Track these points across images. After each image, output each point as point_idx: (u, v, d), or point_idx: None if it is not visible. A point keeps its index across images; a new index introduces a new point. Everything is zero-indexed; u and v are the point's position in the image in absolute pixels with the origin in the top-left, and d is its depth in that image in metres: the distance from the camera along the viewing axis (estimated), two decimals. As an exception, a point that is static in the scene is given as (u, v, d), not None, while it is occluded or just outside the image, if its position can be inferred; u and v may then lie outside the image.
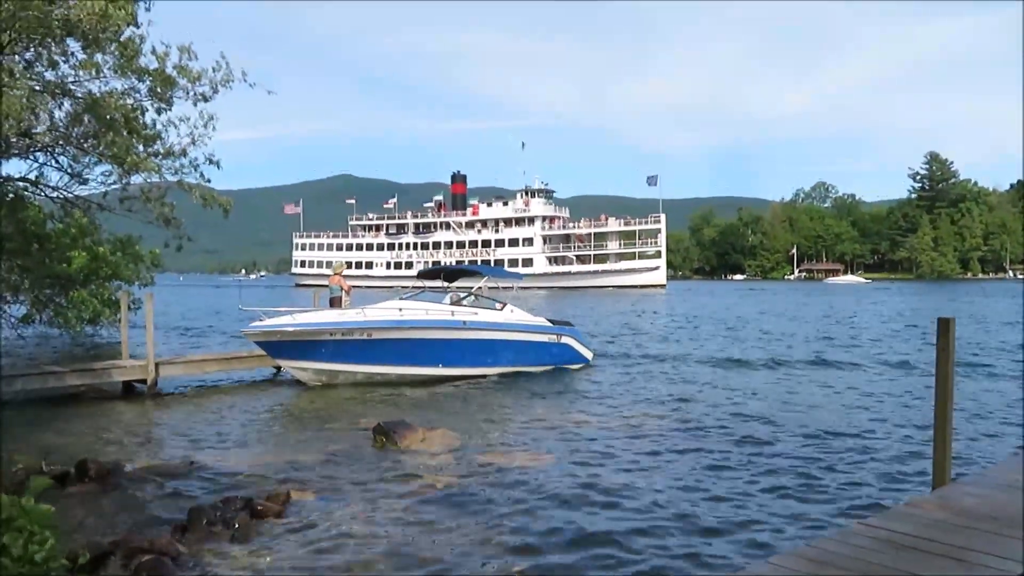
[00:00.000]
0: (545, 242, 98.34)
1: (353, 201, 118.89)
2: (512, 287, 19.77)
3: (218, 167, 16.39)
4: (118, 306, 17.50)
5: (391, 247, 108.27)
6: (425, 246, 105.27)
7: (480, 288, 19.04)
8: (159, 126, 15.62)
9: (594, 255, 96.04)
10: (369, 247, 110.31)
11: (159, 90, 14.68)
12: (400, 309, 16.33)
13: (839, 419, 12.26)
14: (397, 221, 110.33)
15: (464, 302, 17.54)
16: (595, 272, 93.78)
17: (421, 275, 20.51)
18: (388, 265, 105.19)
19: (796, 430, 11.41)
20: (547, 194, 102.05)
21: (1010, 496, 5.48)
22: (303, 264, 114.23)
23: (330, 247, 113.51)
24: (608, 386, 15.98)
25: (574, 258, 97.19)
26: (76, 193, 16.92)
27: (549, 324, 18.65)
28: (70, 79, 14.40)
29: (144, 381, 15.24)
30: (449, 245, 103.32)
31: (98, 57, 13.97)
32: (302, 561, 6.41)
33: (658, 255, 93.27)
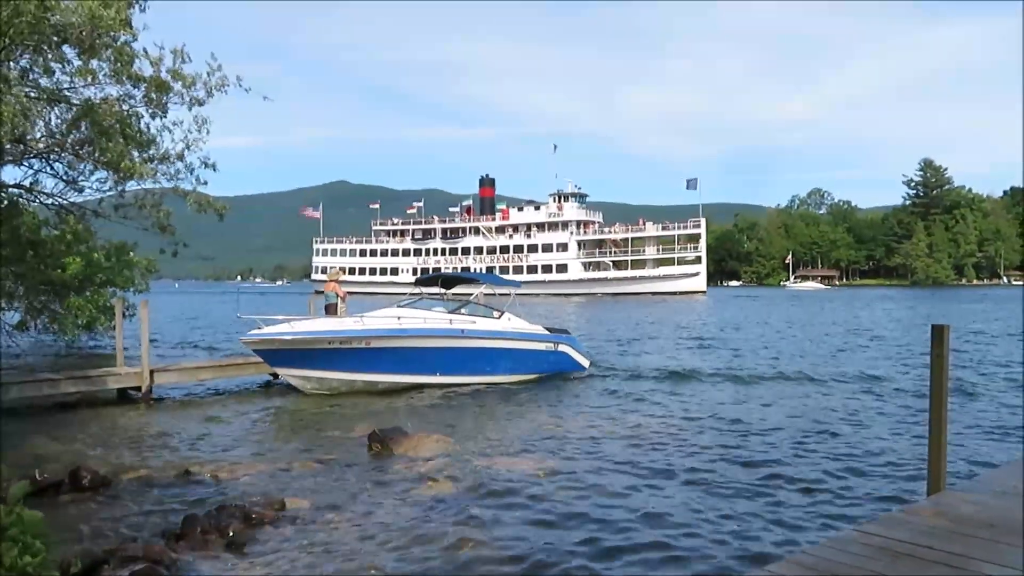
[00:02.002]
0: (580, 247, 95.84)
1: (377, 206, 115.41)
2: (510, 294, 19.75)
3: (214, 170, 16.39)
4: (113, 312, 17.44)
5: (417, 253, 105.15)
6: (454, 251, 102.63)
7: (478, 296, 19.02)
8: (153, 131, 15.59)
9: (631, 261, 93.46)
10: (394, 253, 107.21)
11: (154, 95, 14.69)
12: (399, 317, 16.30)
13: (833, 427, 12.25)
14: (423, 226, 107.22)
15: (462, 310, 17.52)
16: (632, 278, 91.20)
17: (419, 282, 20.48)
18: (415, 271, 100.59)
19: (792, 439, 11.40)
20: (580, 198, 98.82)
21: (1007, 503, 5.48)
22: (322, 270, 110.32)
23: (352, 253, 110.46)
24: (605, 394, 15.94)
25: (610, 264, 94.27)
26: (71, 200, 16.92)
27: (546, 332, 18.62)
28: (65, 86, 14.40)
29: (139, 388, 15.18)
30: (479, 251, 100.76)
31: (93, 63, 13.97)
32: (297, 569, 6.38)
33: (698, 260, 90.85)
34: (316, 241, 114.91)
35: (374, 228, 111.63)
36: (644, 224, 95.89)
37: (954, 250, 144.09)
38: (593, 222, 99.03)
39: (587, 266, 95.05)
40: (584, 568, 6.43)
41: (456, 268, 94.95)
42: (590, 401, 15.04)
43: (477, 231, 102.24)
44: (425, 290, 19.70)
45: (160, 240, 17.36)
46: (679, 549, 6.80)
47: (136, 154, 15.16)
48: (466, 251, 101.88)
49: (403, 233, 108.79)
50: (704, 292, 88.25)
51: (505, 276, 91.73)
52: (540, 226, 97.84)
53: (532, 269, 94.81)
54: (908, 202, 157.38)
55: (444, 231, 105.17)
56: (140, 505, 8.16)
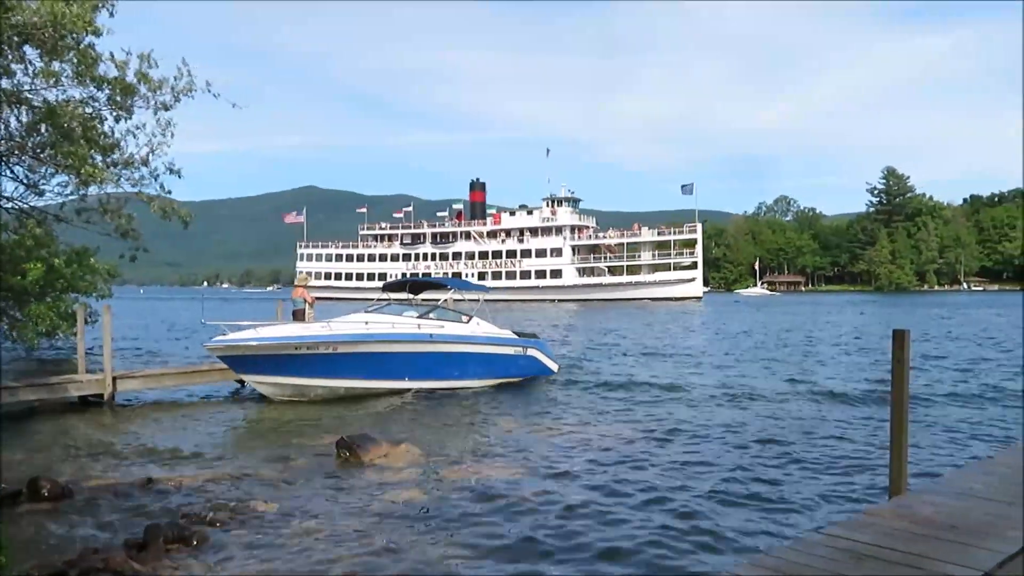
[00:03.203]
0: (574, 252, 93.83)
1: (364, 210, 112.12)
2: (478, 299, 19.75)
3: (179, 176, 16.18)
4: (75, 319, 17.10)
5: (407, 258, 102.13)
6: (444, 257, 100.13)
7: (446, 300, 18.99)
8: (117, 135, 15.34)
9: (627, 266, 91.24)
10: (382, 258, 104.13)
11: (119, 99, 14.47)
12: (366, 322, 16.21)
13: (796, 431, 12.38)
14: (413, 231, 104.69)
15: (430, 315, 17.46)
16: (628, 284, 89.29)
17: (387, 287, 20.39)
18: (404, 277, 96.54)
19: (754, 443, 11.50)
20: (574, 203, 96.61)
21: (967, 504, 5.58)
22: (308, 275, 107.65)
23: (339, 258, 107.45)
24: (573, 400, 15.96)
25: (606, 269, 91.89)
26: (32, 204, 16.58)
27: (515, 336, 18.65)
28: (26, 87, 14.13)
29: (101, 395, 14.90)
30: (471, 256, 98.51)
31: (56, 65, 13.72)
32: (262, 579, 6.31)
33: (694, 266, 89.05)
34: (300, 246, 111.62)
35: (361, 232, 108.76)
36: (640, 229, 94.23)
37: (916, 256, 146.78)
38: (587, 227, 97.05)
39: (582, 272, 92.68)
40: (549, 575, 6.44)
41: (447, 273, 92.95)
42: (558, 407, 15.04)
43: (468, 236, 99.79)
44: (393, 295, 19.62)
45: (122, 244, 17.10)
46: (646, 553, 6.84)
47: (99, 158, 14.91)
48: (457, 256, 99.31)
49: (391, 238, 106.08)
50: (700, 298, 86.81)
51: (498, 282, 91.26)
52: (533, 231, 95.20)
53: (525, 274, 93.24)
54: (872, 209, 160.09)
55: (434, 236, 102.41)
56: (101, 515, 8.00)
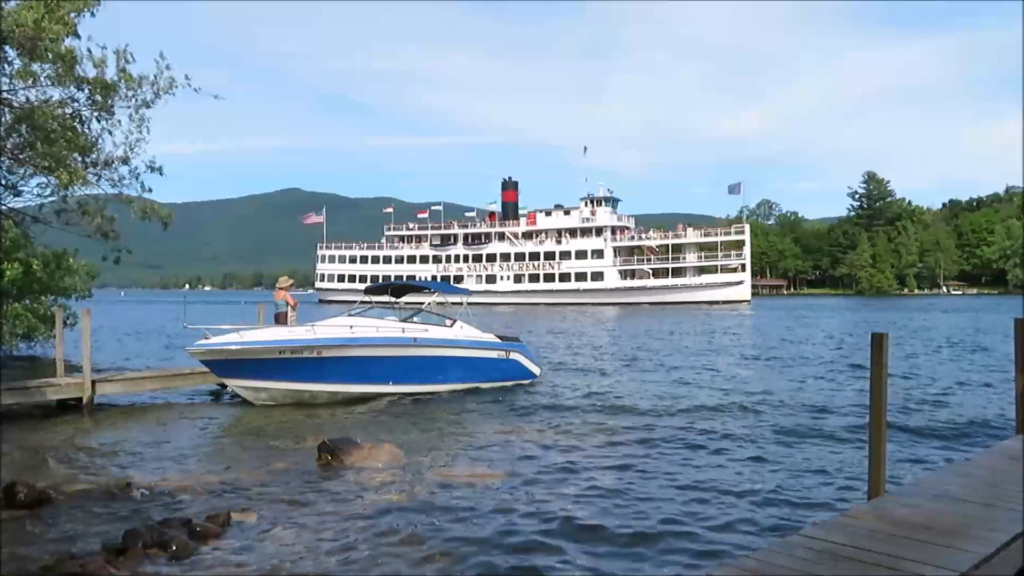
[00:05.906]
0: (616, 254, 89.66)
1: (391, 210, 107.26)
2: (461, 303, 19.73)
3: (160, 173, 16.01)
4: (53, 321, 16.94)
5: (437, 260, 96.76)
6: (477, 258, 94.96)
7: (430, 304, 18.97)
8: (94, 134, 15.16)
9: (671, 268, 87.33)
10: (411, 260, 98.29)
11: (99, 98, 14.31)
12: (350, 326, 16.16)
13: (775, 435, 12.45)
14: (443, 231, 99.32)
15: (414, 318, 17.43)
16: (672, 287, 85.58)
17: (369, 291, 20.34)
18: (435, 280, 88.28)
19: (736, 444, 11.57)
20: (613, 203, 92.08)
21: (943, 506, 5.65)
22: (328, 278, 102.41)
23: (363, 260, 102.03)
24: (554, 405, 15.88)
25: (649, 272, 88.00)
26: (10, 205, 16.40)
27: (498, 340, 18.65)
28: (4, 87, 13.97)
29: (80, 399, 14.75)
30: (506, 257, 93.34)
31: (35, 66, 13.59)
32: (242, 583, 6.27)
33: (742, 268, 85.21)
34: (320, 247, 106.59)
35: (387, 234, 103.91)
36: (684, 230, 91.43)
37: (896, 260, 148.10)
38: (628, 228, 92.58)
39: (624, 274, 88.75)
40: (534, 577, 6.45)
41: (481, 276, 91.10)
42: (538, 411, 14.96)
43: (502, 237, 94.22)
44: (375, 299, 19.58)
45: (103, 247, 16.94)
46: (626, 555, 6.86)
47: (79, 158, 14.76)
48: (491, 258, 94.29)
49: (420, 239, 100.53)
50: (748, 301, 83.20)
51: (536, 285, 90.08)
52: (571, 232, 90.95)
53: (564, 277, 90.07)
54: (853, 214, 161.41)
55: (466, 237, 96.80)
56: (79, 520, 7.91)
